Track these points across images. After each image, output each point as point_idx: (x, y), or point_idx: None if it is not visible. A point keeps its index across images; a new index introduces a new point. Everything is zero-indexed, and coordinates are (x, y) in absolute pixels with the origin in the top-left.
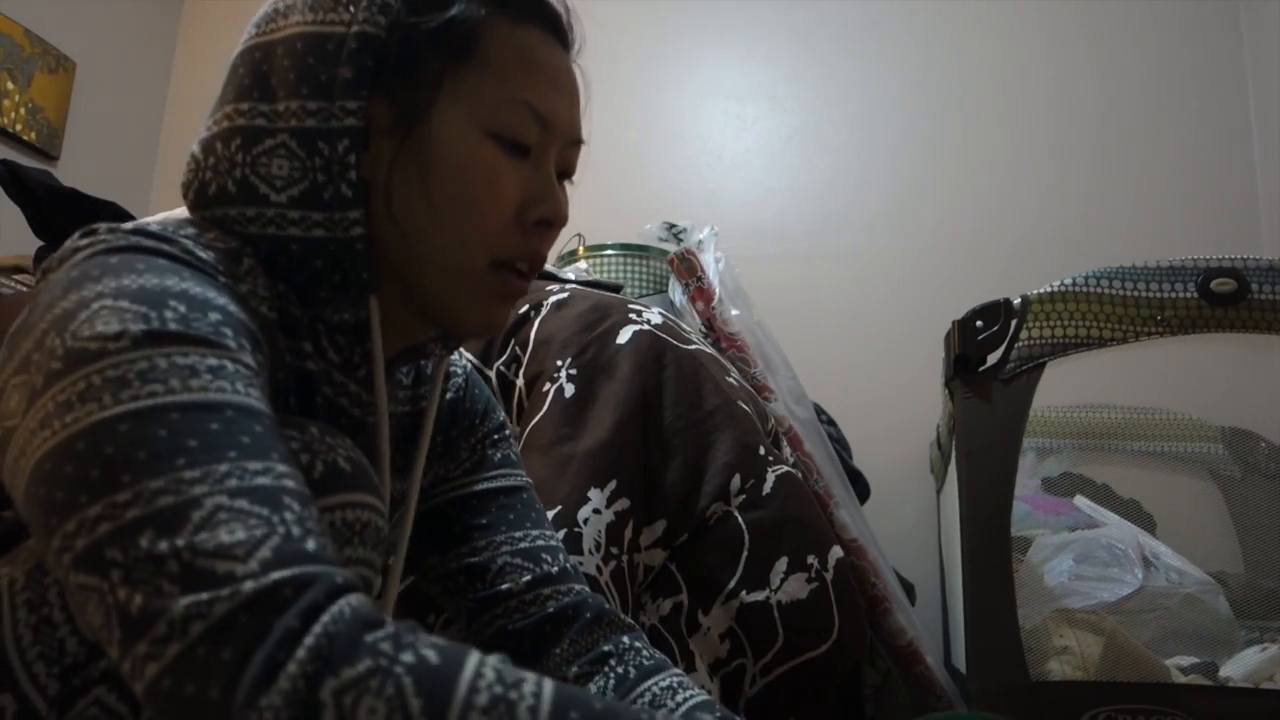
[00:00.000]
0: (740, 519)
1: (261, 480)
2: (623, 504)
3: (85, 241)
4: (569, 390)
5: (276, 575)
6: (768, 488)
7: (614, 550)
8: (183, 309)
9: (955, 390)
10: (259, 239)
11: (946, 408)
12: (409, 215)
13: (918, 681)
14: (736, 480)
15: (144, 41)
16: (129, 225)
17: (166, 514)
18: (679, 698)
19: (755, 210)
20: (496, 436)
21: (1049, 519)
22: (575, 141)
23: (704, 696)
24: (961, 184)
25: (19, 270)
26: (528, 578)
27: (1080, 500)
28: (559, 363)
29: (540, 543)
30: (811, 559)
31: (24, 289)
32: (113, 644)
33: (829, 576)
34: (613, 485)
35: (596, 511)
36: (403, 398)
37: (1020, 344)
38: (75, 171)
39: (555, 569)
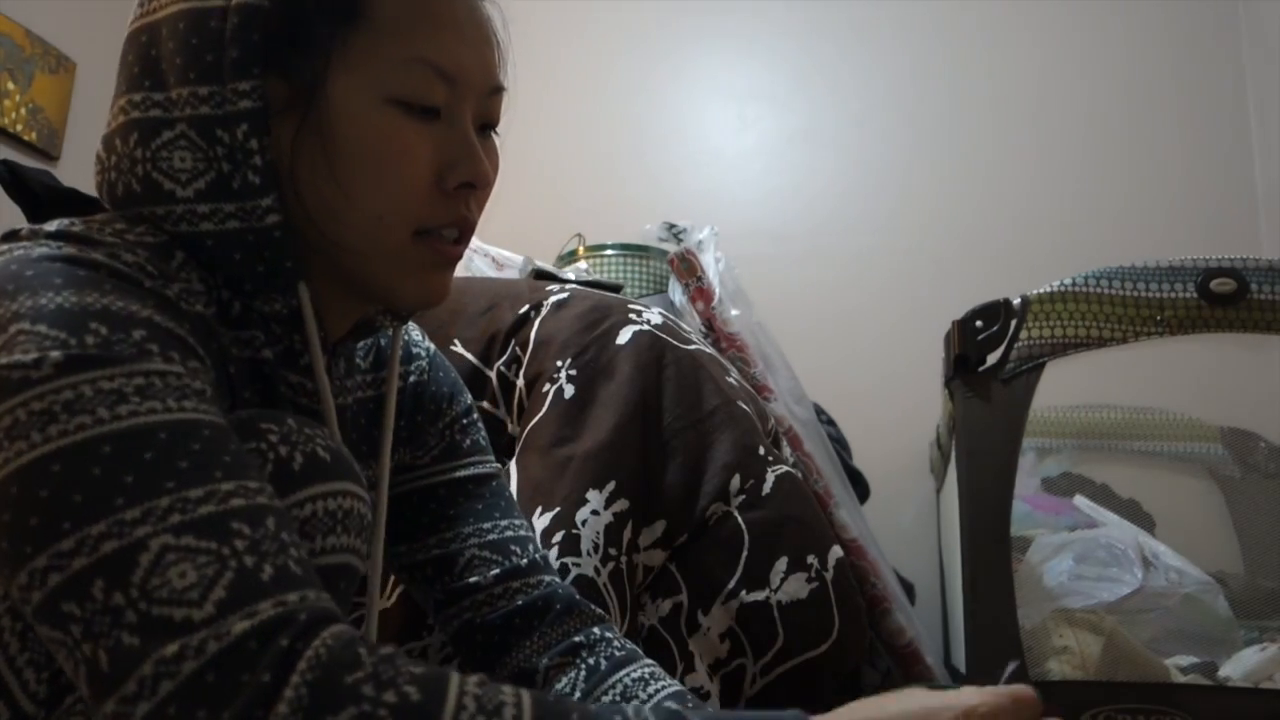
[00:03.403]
0: (740, 519)
1: (205, 509)
2: (621, 505)
3: (4, 246)
4: (568, 391)
5: (238, 627)
6: (767, 488)
7: (612, 551)
8: (104, 330)
9: (955, 390)
10: (176, 238)
11: (946, 408)
12: (319, 198)
13: (918, 681)
14: (736, 480)
15: None
16: (53, 226)
17: (113, 561)
18: (650, 689)
19: (755, 210)
20: (465, 421)
21: (1049, 519)
22: (494, 90)
23: (676, 687)
24: (961, 184)
25: None
26: (496, 571)
27: (1080, 500)
28: (559, 363)
29: (509, 534)
30: (811, 559)
31: None
32: (87, 696)
33: (829, 576)
34: (611, 486)
35: (595, 513)
36: (363, 381)
37: (1020, 344)
38: (75, 171)
39: (524, 561)
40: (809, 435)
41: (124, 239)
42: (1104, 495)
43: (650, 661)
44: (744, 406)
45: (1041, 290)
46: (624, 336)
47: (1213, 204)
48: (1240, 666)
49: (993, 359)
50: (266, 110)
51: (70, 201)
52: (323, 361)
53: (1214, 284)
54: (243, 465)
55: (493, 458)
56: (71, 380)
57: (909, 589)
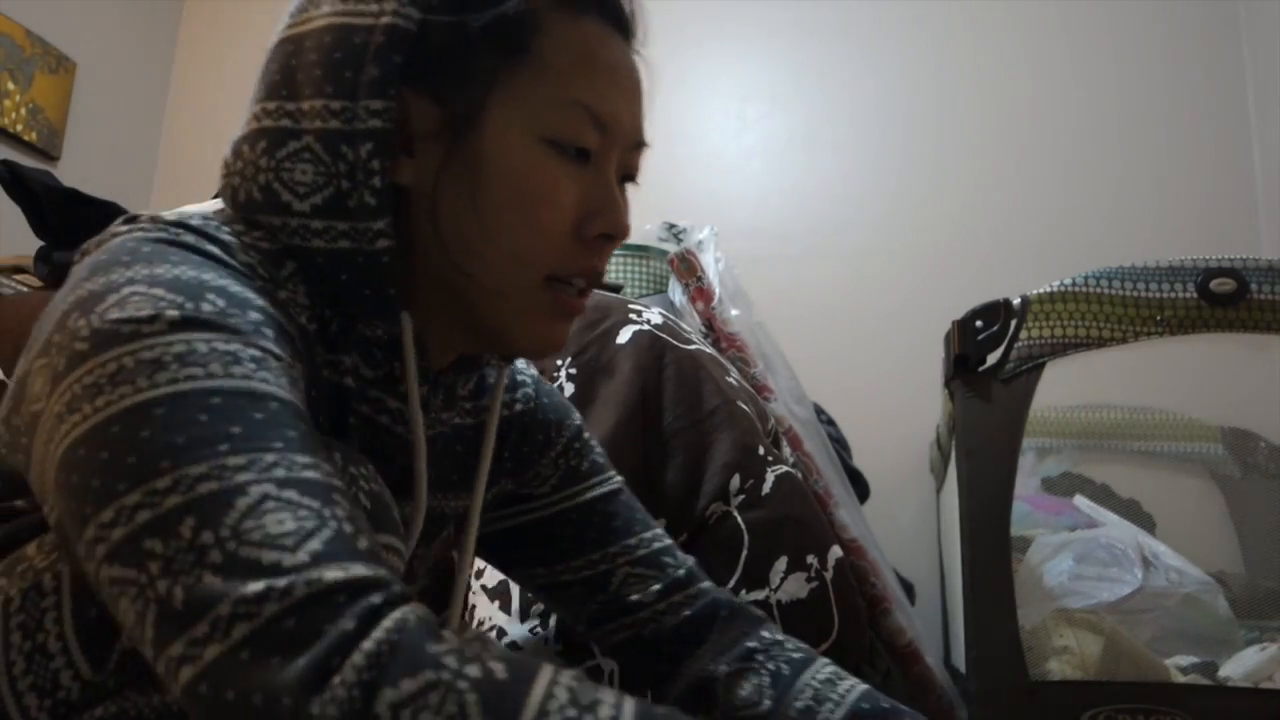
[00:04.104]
0: (739, 519)
1: (310, 474)
2: None
3: (124, 228)
4: (568, 390)
5: (330, 575)
6: (767, 488)
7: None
8: (221, 303)
9: (955, 390)
10: (289, 250)
11: (946, 408)
12: (457, 229)
13: (918, 681)
14: (736, 480)
15: (144, 41)
16: (171, 215)
17: (209, 501)
18: (840, 688)
19: (755, 210)
20: (578, 445)
21: (1049, 519)
22: (639, 144)
23: (863, 686)
24: (961, 184)
25: (19, 270)
26: (656, 587)
27: (1080, 500)
28: (559, 362)
29: (657, 546)
30: (811, 559)
31: (24, 289)
32: (145, 643)
33: (829, 576)
34: None
35: None
36: (463, 409)
37: (1020, 344)
38: (75, 171)
39: (681, 572)
40: (809, 435)
41: (240, 239)
42: (1104, 495)
43: (827, 660)
44: (744, 406)
45: (1041, 290)
46: (624, 336)
47: (1213, 204)
48: (1240, 666)
49: (993, 359)
50: (403, 133)
51: (70, 201)
52: (419, 392)
53: (1214, 284)
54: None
55: (613, 472)
56: (185, 336)
57: (909, 589)
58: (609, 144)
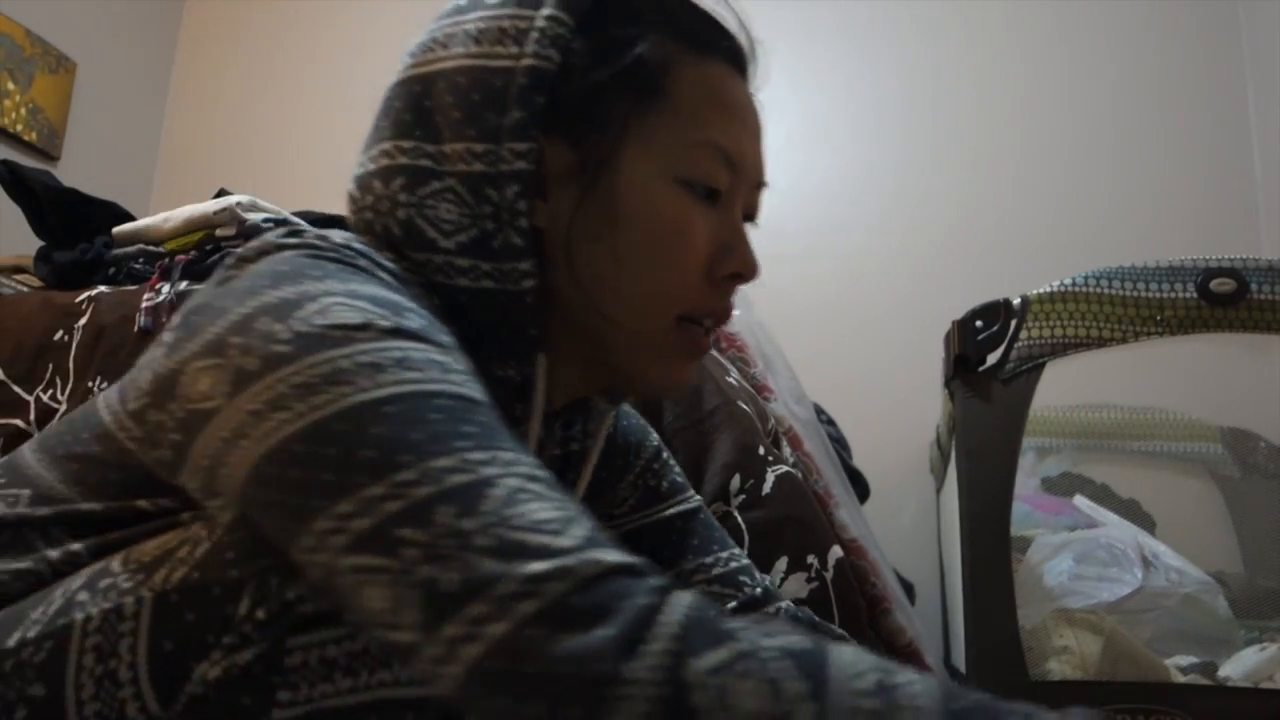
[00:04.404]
0: (740, 519)
1: (544, 473)
2: None
3: (293, 240)
4: None
5: (608, 558)
6: (767, 488)
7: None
8: (421, 320)
9: (955, 390)
10: (430, 287)
11: (946, 408)
12: (592, 268)
13: None
14: (736, 480)
15: (144, 41)
16: (338, 236)
17: (462, 491)
18: None
19: None
20: (657, 465)
21: (1048, 519)
22: (761, 184)
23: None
24: (961, 184)
25: (19, 270)
26: (733, 604)
27: (1080, 500)
28: None
29: (734, 565)
30: (811, 559)
31: (24, 289)
32: (404, 628)
33: (829, 576)
34: None
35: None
36: (552, 440)
37: (1020, 344)
38: (75, 171)
39: (758, 590)
40: (809, 435)
41: (398, 268)
42: (1104, 495)
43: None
44: (744, 406)
45: (1041, 290)
46: None
47: (1213, 204)
48: (1240, 666)
49: (993, 359)
50: (541, 174)
51: (70, 201)
52: (538, 435)
53: (1214, 284)
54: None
55: (691, 491)
56: (399, 344)
57: (909, 589)
58: (737, 183)
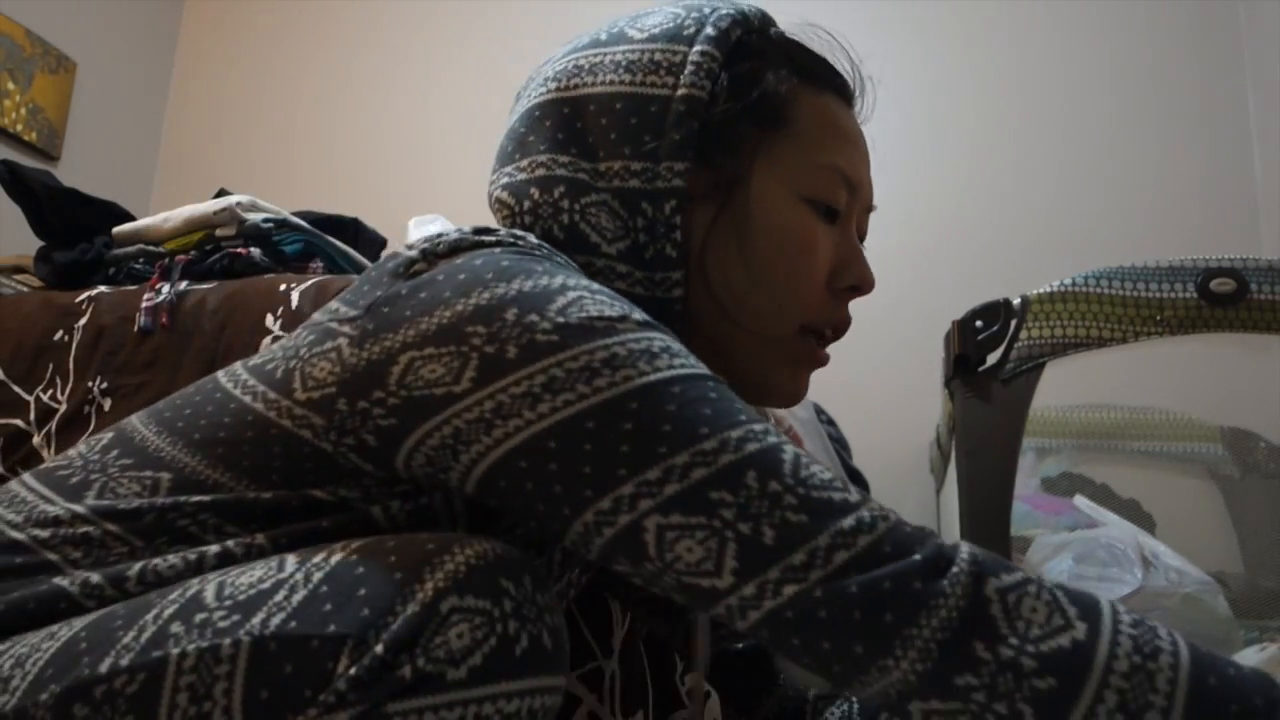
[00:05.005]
0: None
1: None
2: None
3: (492, 238)
4: None
5: (891, 515)
6: None
7: None
8: (643, 316)
9: (955, 390)
10: None
11: (946, 408)
12: (725, 279)
13: None
14: None
15: (144, 41)
16: (535, 239)
17: (760, 456)
18: None
19: None
20: None
21: (1049, 519)
22: (871, 208)
23: None
24: (961, 184)
25: (19, 270)
26: None
27: (1080, 500)
28: None
29: None
30: None
31: (24, 289)
32: (722, 573)
33: None
34: None
35: None
36: None
37: (1020, 344)
38: (75, 171)
39: None
40: (809, 435)
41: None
42: (1104, 495)
43: None
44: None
45: (1041, 290)
46: None
47: (1213, 204)
48: None
49: (993, 359)
50: (698, 194)
51: (70, 201)
52: None
53: (1214, 284)
54: None
55: None
56: (655, 334)
57: None
58: (854, 204)
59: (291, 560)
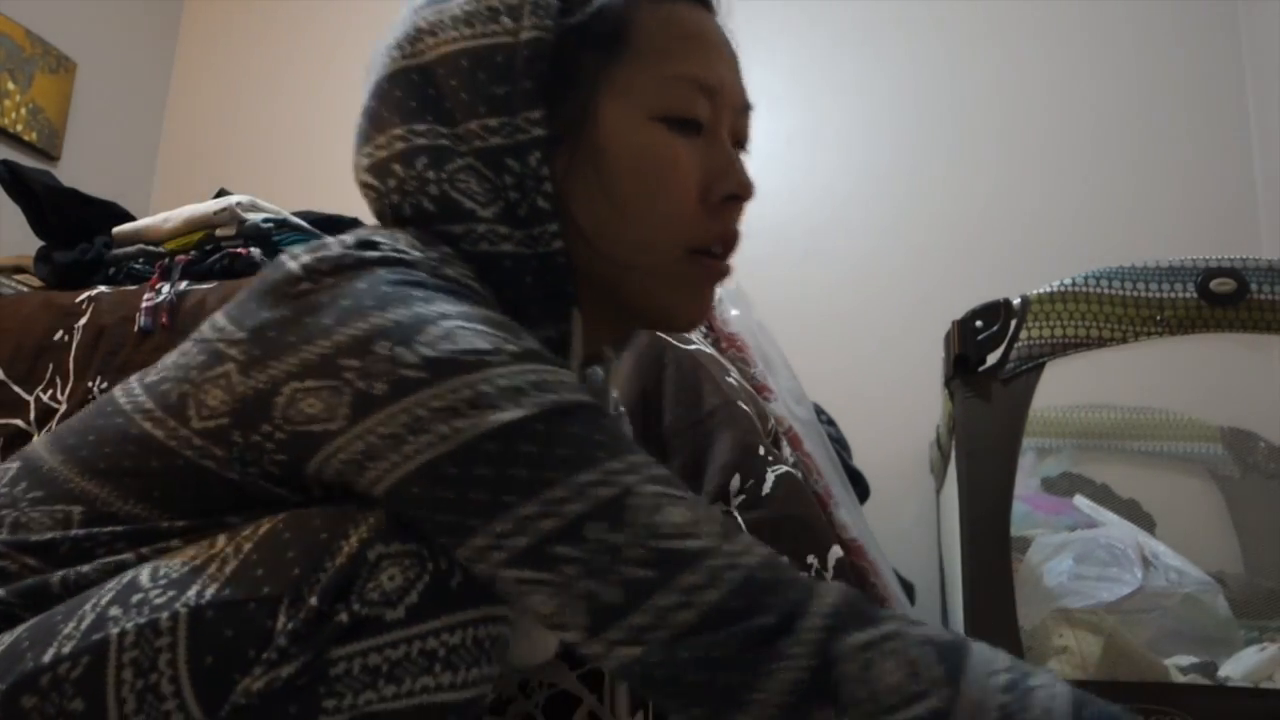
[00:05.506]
0: (739, 519)
1: (662, 471)
2: None
3: (375, 255)
4: None
5: (747, 560)
6: (767, 487)
7: None
8: (532, 341)
9: (955, 390)
10: (471, 258)
11: (946, 408)
12: (593, 219)
13: None
14: (736, 480)
15: (144, 41)
16: (407, 246)
17: (611, 505)
18: None
19: (754, 210)
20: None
21: (1048, 519)
22: (746, 107)
23: None
24: (961, 184)
25: (19, 270)
26: None
27: (1080, 500)
28: None
29: None
30: (811, 559)
31: (24, 289)
32: (571, 628)
33: (828, 576)
34: None
35: None
36: None
37: (1020, 344)
38: (75, 171)
39: None
40: (809, 435)
41: (445, 260)
42: (1104, 495)
43: None
44: (744, 406)
45: (1041, 290)
46: None
47: (1213, 204)
48: (1240, 666)
49: (993, 359)
50: (552, 138)
51: (70, 201)
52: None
53: (1214, 284)
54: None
55: None
56: (529, 366)
57: (909, 589)
58: (718, 110)
59: (222, 537)
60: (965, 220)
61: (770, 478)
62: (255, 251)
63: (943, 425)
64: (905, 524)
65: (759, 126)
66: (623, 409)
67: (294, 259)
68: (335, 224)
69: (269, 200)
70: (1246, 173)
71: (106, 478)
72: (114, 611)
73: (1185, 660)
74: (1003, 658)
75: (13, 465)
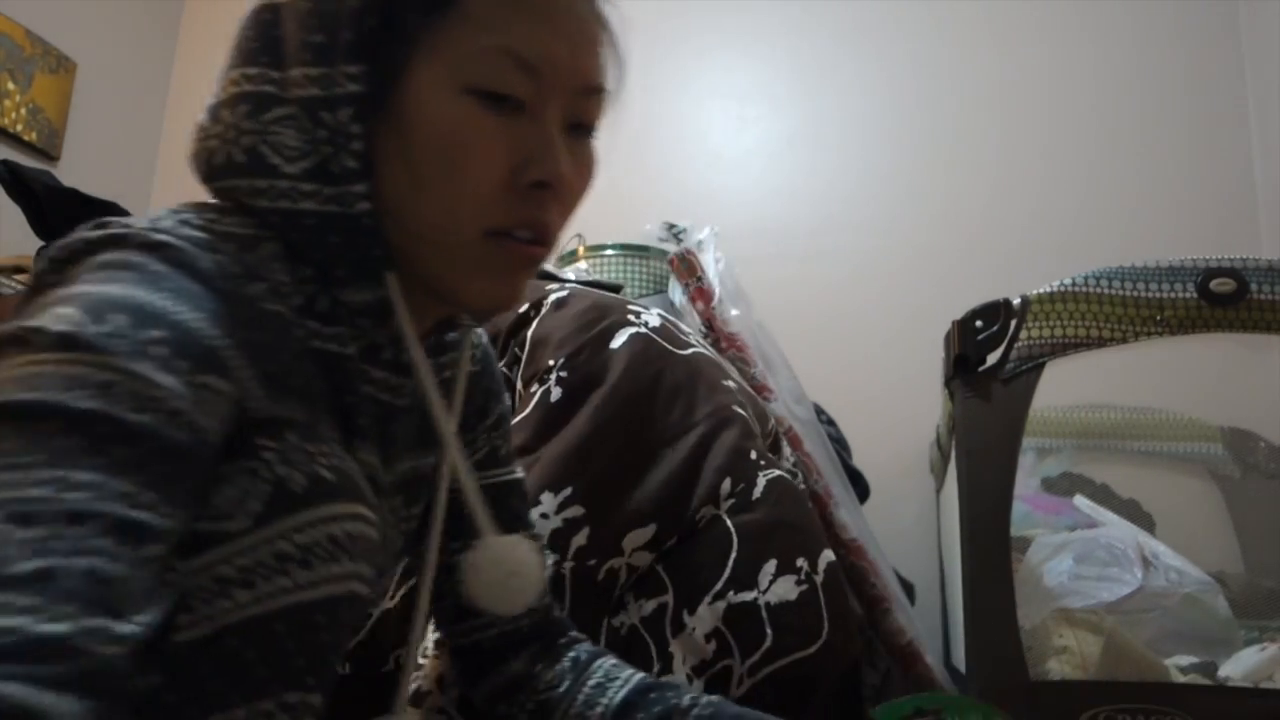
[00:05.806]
0: (729, 522)
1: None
2: (574, 511)
3: (97, 235)
4: (555, 394)
5: (15, 631)
6: (758, 492)
7: (554, 556)
8: (121, 321)
9: (955, 390)
10: (272, 214)
11: (946, 408)
12: (394, 189)
13: (918, 681)
14: (727, 484)
15: (144, 41)
16: (148, 222)
17: None
18: (625, 673)
19: (755, 210)
20: (504, 426)
21: (1048, 519)
22: (589, 89)
23: (643, 674)
24: (961, 184)
25: (19, 270)
26: None
27: (1080, 500)
28: (551, 362)
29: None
30: (801, 562)
31: (24, 289)
32: None
33: (819, 580)
34: (567, 492)
35: (544, 516)
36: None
37: (1020, 344)
38: (75, 171)
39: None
40: (809, 435)
41: (213, 230)
42: (1104, 495)
43: (628, 671)
44: (739, 410)
45: (1041, 290)
46: (619, 340)
47: (1213, 204)
48: (1240, 666)
49: (993, 359)
50: (372, 96)
51: (70, 201)
52: (420, 349)
53: (1214, 284)
54: (163, 480)
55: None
56: (58, 356)
57: (909, 589)
58: (544, 90)
59: None
60: (965, 220)
61: (761, 482)
62: None
63: (943, 425)
64: (905, 524)
65: (760, 127)
66: (501, 391)
67: (56, 245)
68: None
69: None
70: (1246, 173)
71: None
72: None
73: (1185, 660)
74: None
75: None
